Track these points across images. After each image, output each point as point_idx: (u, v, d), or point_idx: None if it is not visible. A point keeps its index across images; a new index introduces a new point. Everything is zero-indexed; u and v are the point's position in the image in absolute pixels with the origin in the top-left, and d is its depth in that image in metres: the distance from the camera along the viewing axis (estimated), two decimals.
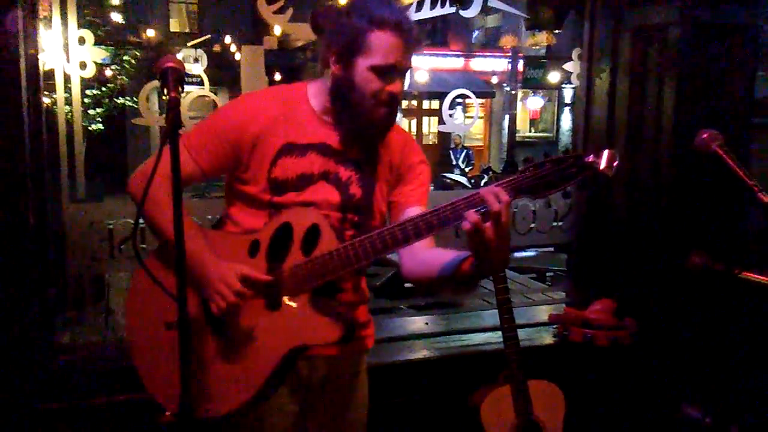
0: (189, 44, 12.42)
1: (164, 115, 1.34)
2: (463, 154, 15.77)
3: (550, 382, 2.52)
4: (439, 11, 3.11)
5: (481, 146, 20.59)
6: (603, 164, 1.40)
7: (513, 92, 18.97)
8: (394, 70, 1.61)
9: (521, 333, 2.45)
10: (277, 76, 11.60)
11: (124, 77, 14.06)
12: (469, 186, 12.16)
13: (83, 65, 2.58)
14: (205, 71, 3.01)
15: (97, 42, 2.68)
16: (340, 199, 1.69)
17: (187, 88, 1.46)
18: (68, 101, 2.58)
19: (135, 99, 11.74)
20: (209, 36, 12.65)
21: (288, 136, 1.66)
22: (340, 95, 1.64)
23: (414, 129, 20.80)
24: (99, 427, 2.37)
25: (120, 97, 14.13)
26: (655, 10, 2.85)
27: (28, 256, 2.27)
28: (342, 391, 1.84)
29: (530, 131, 21.55)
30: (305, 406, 1.79)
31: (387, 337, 2.91)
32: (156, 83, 1.87)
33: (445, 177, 13.78)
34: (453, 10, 3.17)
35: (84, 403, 2.35)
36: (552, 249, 5.74)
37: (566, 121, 20.76)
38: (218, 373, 1.64)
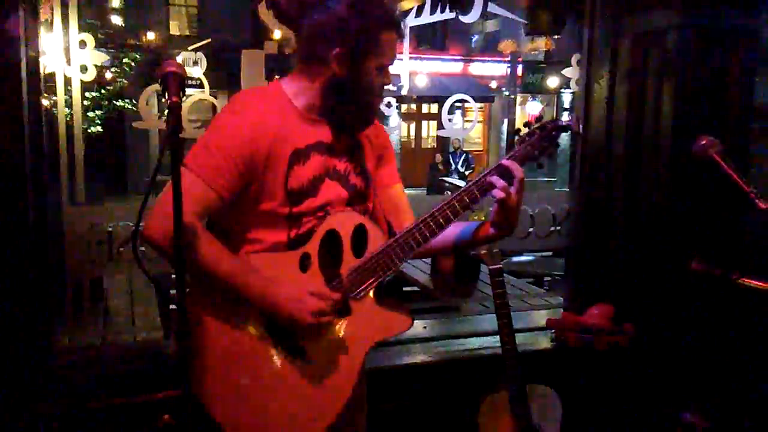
0: (190, 48, 12.41)
1: (164, 119, 1.34)
2: (462, 158, 15.76)
3: (547, 387, 2.52)
4: (439, 16, 3.12)
5: (480, 150, 20.60)
6: (573, 122, 1.66)
7: (512, 97, 18.98)
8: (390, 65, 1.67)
9: (519, 337, 2.45)
10: None
11: (123, 80, 14.08)
12: None
13: (84, 68, 2.59)
14: (205, 74, 3.02)
15: (97, 45, 2.68)
16: (347, 193, 1.72)
17: (187, 91, 1.46)
18: (68, 104, 2.59)
19: (134, 102, 11.75)
20: (209, 40, 12.64)
21: (293, 144, 1.63)
22: (339, 92, 1.62)
23: (413, 133, 20.84)
24: (98, 429, 2.36)
25: (119, 100, 14.15)
26: (654, 15, 2.84)
27: (28, 258, 2.27)
28: None
29: None
30: None
31: (385, 341, 2.90)
32: (156, 87, 1.88)
33: (443, 181, 13.76)
34: (453, 15, 3.19)
35: (82, 406, 2.35)
36: (550, 253, 5.73)
37: None
38: (305, 393, 1.66)
